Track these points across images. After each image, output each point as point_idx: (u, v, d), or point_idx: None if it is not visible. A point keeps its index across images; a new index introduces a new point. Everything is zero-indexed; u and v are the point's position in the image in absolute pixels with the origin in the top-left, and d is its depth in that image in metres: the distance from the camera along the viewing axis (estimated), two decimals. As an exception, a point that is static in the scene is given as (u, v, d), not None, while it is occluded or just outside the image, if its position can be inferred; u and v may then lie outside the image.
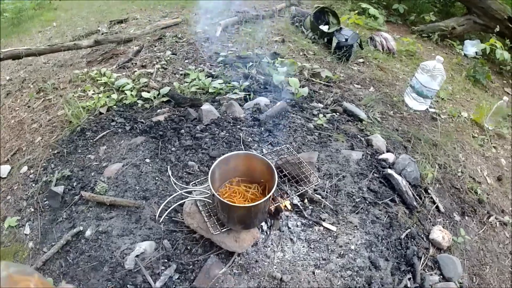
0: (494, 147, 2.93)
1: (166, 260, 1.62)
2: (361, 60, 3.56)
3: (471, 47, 4.21)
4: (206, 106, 2.47)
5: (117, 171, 2.05)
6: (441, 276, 1.79)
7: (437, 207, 2.14)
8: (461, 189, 2.39)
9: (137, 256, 1.60)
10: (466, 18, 4.43)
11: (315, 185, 1.90)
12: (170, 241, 1.69)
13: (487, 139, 2.95)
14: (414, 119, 2.91)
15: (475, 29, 4.49)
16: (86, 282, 1.57)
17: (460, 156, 2.67)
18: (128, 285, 1.53)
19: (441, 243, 1.89)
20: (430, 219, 2.04)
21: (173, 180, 1.63)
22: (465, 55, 4.22)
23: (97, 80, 3.00)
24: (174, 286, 1.53)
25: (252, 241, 1.65)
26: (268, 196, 1.44)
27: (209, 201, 1.62)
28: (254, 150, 2.15)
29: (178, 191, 1.62)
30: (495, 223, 2.29)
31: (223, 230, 1.59)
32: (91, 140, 2.34)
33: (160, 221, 1.52)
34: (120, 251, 1.66)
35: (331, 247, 1.70)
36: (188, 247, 1.67)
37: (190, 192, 1.72)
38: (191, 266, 1.60)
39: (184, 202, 1.72)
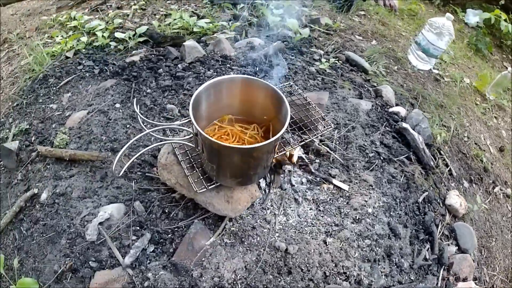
0: (495, 117, 2.75)
1: (138, 228, 1.23)
2: (362, 12, 3.19)
3: (473, 17, 3.97)
4: (189, 42, 2.03)
5: (81, 120, 1.64)
6: (457, 247, 1.55)
7: (449, 170, 1.88)
8: (467, 155, 2.17)
9: (100, 223, 1.22)
10: None
11: (328, 132, 1.53)
12: (143, 203, 1.30)
13: (489, 108, 2.76)
14: (419, 78, 2.62)
15: None
16: (42, 258, 1.18)
17: (464, 121, 2.44)
18: (90, 262, 1.15)
19: (458, 210, 1.64)
20: (444, 182, 1.78)
21: (139, 116, 1.15)
22: (466, 23, 3.99)
23: (67, 24, 2.56)
24: (148, 261, 1.15)
25: (249, 202, 1.26)
26: (279, 135, 1.02)
27: (191, 145, 1.18)
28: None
29: (145, 131, 1.13)
30: (500, 194, 2.11)
31: (210, 187, 1.18)
32: (54, 88, 1.92)
33: (120, 174, 1.07)
34: (81, 217, 1.26)
35: (344, 210, 1.36)
36: (166, 210, 1.29)
37: (165, 134, 1.27)
38: (170, 235, 1.22)
39: (154, 148, 1.27)
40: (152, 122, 1.15)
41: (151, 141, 1.55)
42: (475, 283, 1.50)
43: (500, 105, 2.90)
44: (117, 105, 1.74)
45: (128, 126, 1.62)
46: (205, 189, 1.16)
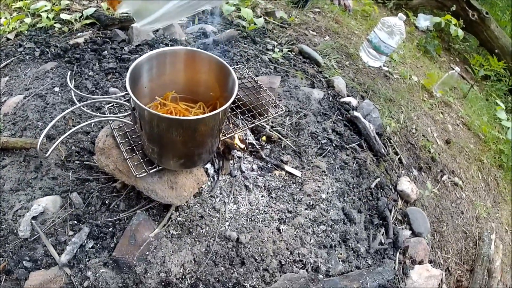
0: (441, 112, 2.89)
1: (75, 222, 1.10)
2: (317, 9, 3.23)
3: (424, 21, 4.21)
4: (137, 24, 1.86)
5: (16, 105, 1.46)
6: (411, 231, 1.54)
7: (399, 159, 1.91)
8: (416, 146, 2.24)
9: (34, 218, 1.08)
10: None
11: (276, 117, 1.47)
12: (81, 195, 1.17)
13: (435, 104, 2.90)
14: (369, 73, 2.68)
15: (431, 5, 4.50)
16: (-27, 257, 0.97)
17: (412, 115, 2.53)
18: (24, 262, 1.00)
19: (410, 195, 1.65)
20: (395, 170, 1.79)
21: (72, 89, 1.00)
22: (416, 27, 4.21)
23: (12, 5, 2.32)
24: (87, 258, 1.02)
25: (195, 188, 1.15)
26: (224, 107, 0.92)
27: (129, 122, 1.05)
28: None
29: (77, 105, 0.98)
30: (448, 182, 2.19)
31: (151, 171, 1.05)
32: None
33: (47, 155, 0.92)
34: (13, 212, 1.10)
35: (298, 196, 1.30)
36: (106, 202, 1.15)
37: (101, 112, 1.13)
38: (110, 229, 1.09)
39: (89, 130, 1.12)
40: (86, 95, 1.01)
41: (92, 127, 1.39)
42: (431, 265, 1.51)
43: (447, 102, 3.06)
44: (56, 89, 1.58)
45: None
46: (146, 173, 1.04)
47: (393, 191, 1.65)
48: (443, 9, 4.27)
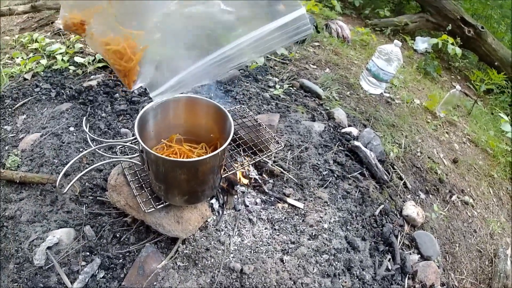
0: (446, 132, 2.92)
1: (88, 253, 1.19)
2: (316, 43, 3.40)
3: (422, 44, 4.32)
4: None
5: (34, 142, 1.61)
6: (420, 255, 1.56)
7: (404, 183, 1.94)
8: (421, 168, 2.27)
9: (49, 248, 1.18)
10: (420, 16, 4.54)
11: (278, 152, 1.56)
12: (94, 228, 1.27)
13: (440, 125, 2.94)
14: (371, 101, 2.77)
15: (427, 27, 4.62)
16: (-9, 282, 1.09)
17: (416, 138, 2.57)
18: (38, 287, 1.10)
19: (416, 219, 1.67)
20: (400, 195, 1.83)
21: (87, 134, 1.16)
22: (415, 50, 4.32)
23: (28, 46, 2.52)
24: (98, 287, 1.11)
25: (200, 222, 1.24)
26: (222, 148, 1.04)
27: (139, 163, 1.18)
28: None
29: (92, 147, 1.14)
30: (458, 202, 2.19)
31: (159, 207, 1.16)
32: (10, 109, 1.87)
33: (64, 192, 1.04)
34: (29, 242, 1.20)
35: (300, 228, 1.36)
36: (117, 235, 1.25)
37: (113, 151, 1.26)
38: (121, 260, 1.18)
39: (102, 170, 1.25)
40: (99, 139, 1.15)
41: (104, 165, 1.53)
42: None
43: (451, 121, 3.09)
44: (71, 129, 1.73)
45: (81, 149, 1.61)
46: (153, 209, 1.15)
47: (398, 216, 1.68)
48: (439, 29, 4.38)
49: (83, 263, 1.17)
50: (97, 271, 1.14)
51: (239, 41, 0.71)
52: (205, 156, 1.05)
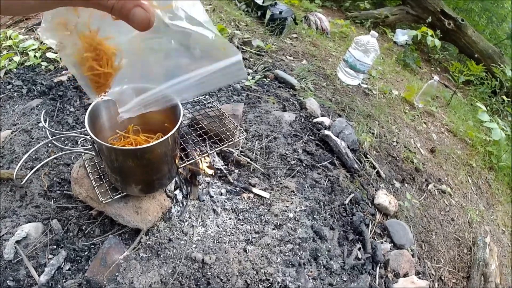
0: (424, 122, 2.91)
1: (55, 246, 1.20)
2: (294, 35, 3.36)
3: (402, 36, 4.33)
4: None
5: (5, 139, 1.60)
6: (392, 244, 1.53)
7: (377, 172, 1.92)
8: (397, 158, 2.25)
9: (17, 242, 1.21)
10: (400, 8, 4.55)
11: (245, 142, 1.52)
12: (61, 222, 1.27)
13: (418, 115, 2.93)
14: (347, 92, 2.74)
15: (407, 20, 4.64)
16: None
17: (393, 128, 2.56)
18: (8, 281, 1.11)
19: (388, 208, 1.64)
20: (372, 184, 1.80)
21: (45, 127, 1.12)
22: (395, 42, 4.32)
23: (2, 43, 2.47)
24: (64, 279, 1.10)
25: (159, 212, 1.21)
26: (169, 134, 0.99)
27: (94, 154, 1.13)
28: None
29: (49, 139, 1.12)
30: (434, 190, 2.17)
31: (116, 197, 1.13)
32: None
33: (22, 182, 1.07)
34: None
35: (265, 217, 1.32)
36: (83, 228, 1.25)
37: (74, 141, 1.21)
38: (86, 252, 1.18)
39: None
40: (56, 131, 1.10)
41: (72, 160, 1.49)
42: (419, 277, 1.48)
43: (429, 112, 3.09)
44: (41, 124, 1.70)
45: (50, 145, 1.58)
46: (111, 199, 1.13)
47: (370, 205, 1.65)
48: (419, 22, 4.40)
49: (50, 256, 1.18)
50: (63, 264, 1.15)
51: (173, 81, 0.70)
52: (151, 144, 1.00)
